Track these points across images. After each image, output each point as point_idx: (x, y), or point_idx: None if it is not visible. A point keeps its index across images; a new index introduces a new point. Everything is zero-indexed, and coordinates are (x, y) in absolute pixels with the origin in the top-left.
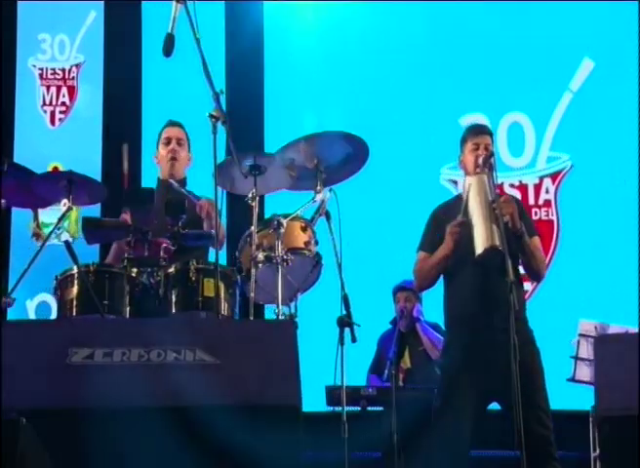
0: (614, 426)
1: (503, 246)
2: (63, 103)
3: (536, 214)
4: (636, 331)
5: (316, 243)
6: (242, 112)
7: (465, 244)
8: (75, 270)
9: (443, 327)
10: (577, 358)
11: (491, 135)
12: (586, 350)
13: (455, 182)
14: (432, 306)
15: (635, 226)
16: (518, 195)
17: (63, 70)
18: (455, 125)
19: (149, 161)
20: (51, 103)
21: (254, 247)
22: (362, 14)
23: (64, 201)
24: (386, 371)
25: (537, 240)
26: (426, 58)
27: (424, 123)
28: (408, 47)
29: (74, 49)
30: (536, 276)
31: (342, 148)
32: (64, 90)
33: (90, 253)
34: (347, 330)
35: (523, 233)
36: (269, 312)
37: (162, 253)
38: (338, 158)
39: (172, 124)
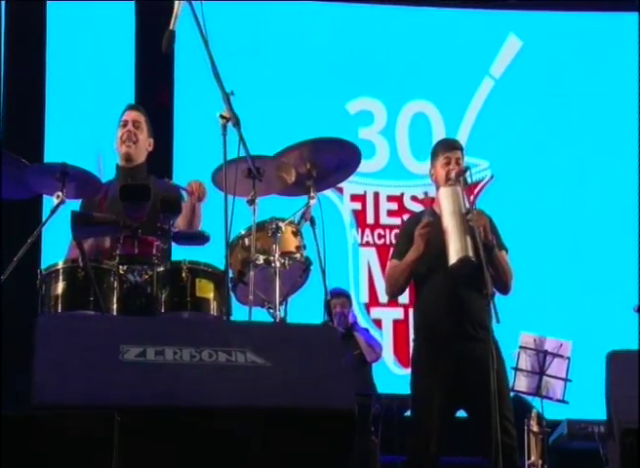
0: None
1: (480, 257)
2: None
3: None
4: (569, 343)
5: (304, 247)
6: (152, 110)
7: (437, 253)
8: (61, 265)
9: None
10: (516, 369)
11: (462, 149)
12: (525, 362)
13: (340, 190)
14: None
15: (568, 242)
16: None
17: None
18: (342, 112)
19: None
20: None
21: (253, 249)
22: (264, 8)
23: (58, 193)
24: None
25: (504, 254)
26: (311, 37)
27: (309, 110)
28: (290, 26)
29: None
30: (503, 289)
31: (335, 154)
32: None
33: None
34: None
35: (493, 246)
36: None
37: (155, 252)
38: (330, 164)
39: (129, 107)
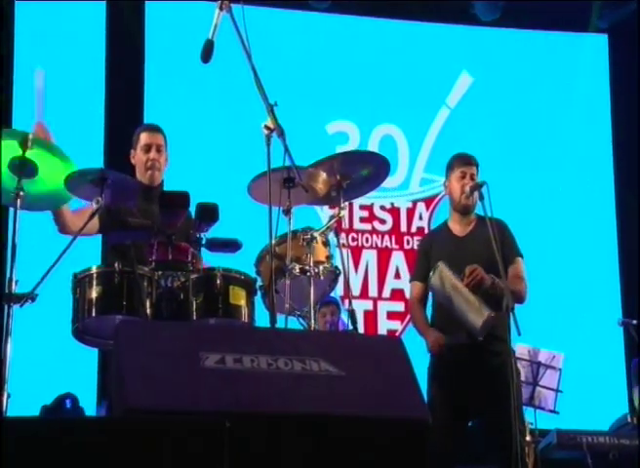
0: None
1: (494, 273)
2: None
3: (408, 242)
4: (561, 355)
5: (332, 257)
6: (121, 111)
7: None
8: (95, 270)
9: None
10: None
11: (477, 165)
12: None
13: None
14: None
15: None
16: (389, 219)
17: None
18: (322, 132)
19: None
20: None
21: (289, 258)
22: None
23: (97, 198)
24: None
25: (519, 261)
26: (297, 65)
27: (296, 129)
28: (279, 53)
29: None
30: (517, 299)
31: (365, 166)
32: None
33: None
34: None
35: (491, 286)
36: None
37: (190, 258)
38: (360, 175)
39: (150, 129)
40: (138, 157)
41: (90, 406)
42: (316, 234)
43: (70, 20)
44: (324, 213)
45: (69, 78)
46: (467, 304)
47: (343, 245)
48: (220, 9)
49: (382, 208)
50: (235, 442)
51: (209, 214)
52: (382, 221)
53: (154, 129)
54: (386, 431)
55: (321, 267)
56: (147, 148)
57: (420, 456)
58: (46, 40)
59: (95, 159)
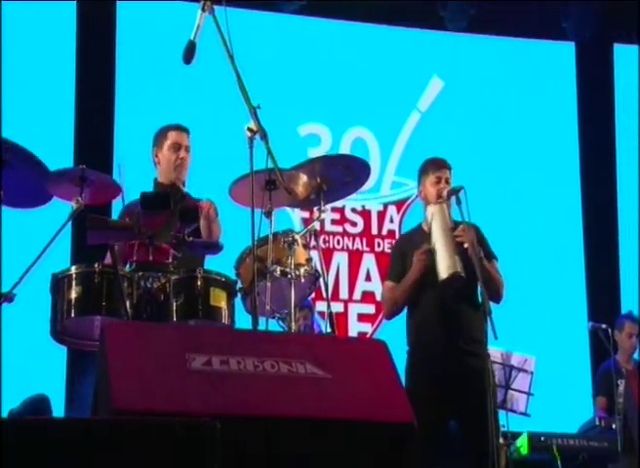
0: None
1: (470, 271)
2: None
3: (379, 245)
4: (533, 359)
5: (311, 260)
6: (92, 112)
7: (429, 271)
8: (74, 270)
9: None
10: None
11: (450, 169)
12: None
13: None
14: None
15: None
16: (360, 221)
17: None
18: (294, 134)
19: None
20: None
21: (270, 260)
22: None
23: (77, 198)
24: None
25: (495, 263)
26: (268, 67)
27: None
28: (250, 54)
29: None
30: (495, 297)
31: (345, 169)
32: None
33: None
34: None
35: (481, 258)
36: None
37: (171, 260)
38: (340, 178)
39: (179, 128)
40: (164, 155)
41: (58, 406)
42: (297, 237)
43: (40, 20)
44: (295, 214)
45: (39, 78)
46: (448, 251)
47: (321, 248)
48: (203, 10)
49: (354, 210)
50: (222, 444)
51: (189, 215)
52: (354, 224)
53: (183, 129)
54: (372, 434)
55: (302, 270)
56: (177, 147)
57: (405, 459)
58: (15, 40)
59: (65, 160)
